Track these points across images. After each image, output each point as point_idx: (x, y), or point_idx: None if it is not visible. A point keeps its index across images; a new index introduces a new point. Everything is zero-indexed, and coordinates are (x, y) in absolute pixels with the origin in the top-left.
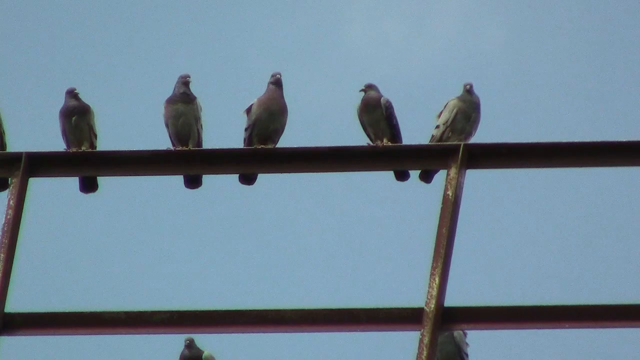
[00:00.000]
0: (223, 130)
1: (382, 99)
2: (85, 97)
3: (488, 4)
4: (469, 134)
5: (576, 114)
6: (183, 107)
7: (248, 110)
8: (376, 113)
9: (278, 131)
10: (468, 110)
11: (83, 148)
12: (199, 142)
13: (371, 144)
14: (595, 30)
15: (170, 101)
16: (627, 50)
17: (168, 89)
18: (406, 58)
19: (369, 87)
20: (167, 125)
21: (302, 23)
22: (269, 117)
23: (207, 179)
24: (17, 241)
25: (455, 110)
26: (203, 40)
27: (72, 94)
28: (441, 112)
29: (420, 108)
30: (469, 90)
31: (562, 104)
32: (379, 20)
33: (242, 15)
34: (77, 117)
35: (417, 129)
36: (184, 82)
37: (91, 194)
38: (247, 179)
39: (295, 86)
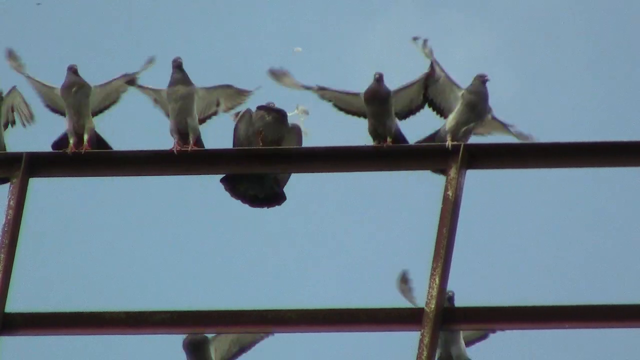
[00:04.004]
0: (223, 130)
1: (392, 92)
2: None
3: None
4: (479, 120)
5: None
6: (182, 89)
7: (236, 116)
8: (383, 106)
9: None
10: (476, 101)
11: (85, 136)
12: (198, 137)
13: (372, 143)
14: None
15: (170, 85)
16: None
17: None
18: None
19: (381, 78)
20: (167, 115)
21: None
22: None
23: (207, 179)
24: (17, 241)
25: (462, 104)
26: (204, 41)
27: (72, 70)
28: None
29: None
30: (482, 82)
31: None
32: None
33: (244, 18)
34: (77, 88)
35: (417, 129)
36: (177, 65)
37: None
38: None
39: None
